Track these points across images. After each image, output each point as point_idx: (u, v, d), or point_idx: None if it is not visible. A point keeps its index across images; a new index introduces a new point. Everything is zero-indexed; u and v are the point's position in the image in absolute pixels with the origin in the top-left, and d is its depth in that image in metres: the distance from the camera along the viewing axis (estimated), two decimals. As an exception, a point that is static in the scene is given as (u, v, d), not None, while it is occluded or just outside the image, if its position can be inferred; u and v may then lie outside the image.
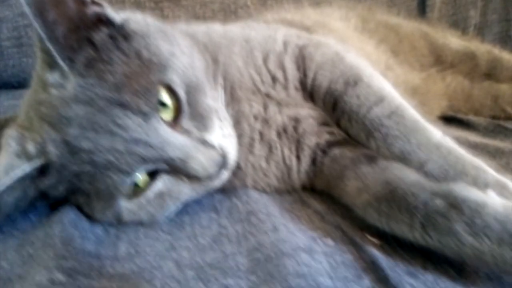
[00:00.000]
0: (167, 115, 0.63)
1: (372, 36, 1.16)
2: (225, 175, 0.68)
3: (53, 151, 0.60)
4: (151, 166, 0.63)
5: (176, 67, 0.64)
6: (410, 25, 1.32)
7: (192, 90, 0.66)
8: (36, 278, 0.50)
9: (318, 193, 0.79)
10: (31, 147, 0.62)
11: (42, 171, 0.62)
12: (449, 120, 1.20)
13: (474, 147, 0.76)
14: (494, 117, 1.19)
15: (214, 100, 0.69)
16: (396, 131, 0.72)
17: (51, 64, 0.61)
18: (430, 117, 0.78)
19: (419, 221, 0.58)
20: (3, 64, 1.47)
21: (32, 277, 0.50)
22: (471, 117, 1.21)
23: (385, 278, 0.57)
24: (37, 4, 0.56)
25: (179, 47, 0.68)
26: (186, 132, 0.64)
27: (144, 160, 0.61)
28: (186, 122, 0.64)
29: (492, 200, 0.56)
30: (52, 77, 0.61)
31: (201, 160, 0.62)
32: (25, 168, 0.60)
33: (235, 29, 0.86)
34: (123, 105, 0.59)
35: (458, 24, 1.69)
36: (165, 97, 0.63)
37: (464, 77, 1.29)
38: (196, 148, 0.63)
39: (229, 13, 1.56)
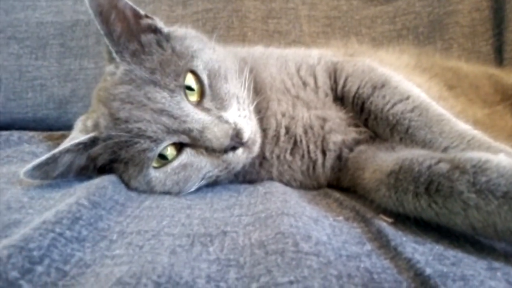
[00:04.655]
0: (193, 97, 0.74)
1: (425, 72, 1.17)
2: (241, 152, 0.73)
3: (102, 123, 0.74)
4: (175, 138, 0.72)
5: (202, 58, 0.76)
6: (472, 67, 1.30)
7: (215, 76, 0.76)
8: (67, 201, 0.60)
9: (343, 190, 0.79)
10: (89, 123, 0.77)
11: (94, 142, 0.75)
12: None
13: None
14: None
15: (236, 88, 0.77)
16: (418, 122, 0.73)
17: (110, 59, 0.78)
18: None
19: (423, 186, 0.56)
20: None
21: (65, 201, 0.60)
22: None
23: (387, 243, 0.55)
24: (101, 9, 0.73)
25: (211, 48, 0.81)
26: (206, 110, 0.73)
27: (168, 130, 0.70)
28: (207, 102, 0.74)
29: (496, 157, 0.52)
30: (109, 68, 0.78)
31: (215, 131, 0.70)
32: (82, 138, 0.74)
33: (275, 49, 0.97)
34: (155, 83, 0.72)
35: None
36: (191, 81, 0.74)
37: (537, 115, 1.20)
38: (212, 122, 0.71)
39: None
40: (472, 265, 0.49)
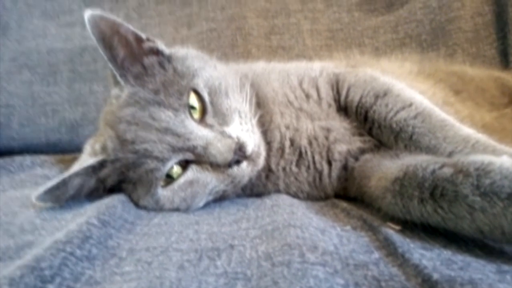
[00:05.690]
0: (196, 115, 0.76)
1: (429, 78, 1.17)
2: (246, 166, 0.74)
3: (110, 146, 0.76)
4: (180, 156, 0.73)
5: (202, 76, 0.78)
6: (477, 70, 1.30)
7: (216, 93, 0.77)
8: (78, 220, 0.61)
9: (350, 200, 0.79)
10: (97, 146, 0.79)
11: (102, 164, 0.76)
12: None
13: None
14: None
15: (238, 103, 0.79)
16: (422, 128, 0.73)
17: (115, 83, 0.80)
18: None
19: (428, 191, 0.56)
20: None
21: (76, 221, 0.62)
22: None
23: (395, 250, 0.55)
24: (103, 36, 0.75)
25: (211, 66, 0.83)
26: (209, 126, 0.75)
27: (173, 148, 0.72)
28: (209, 119, 0.76)
29: (500, 159, 0.52)
30: (114, 91, 0.80)
31: (218, 147, 0.71)
32: (91, 161, 0.76)
33: (276, 64, 0.99)
34: (159, 103, 0.74)
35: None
36: (193, 100, 0.76)
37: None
38: (215, 137, 0.72)
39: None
40: (480, 269, 0.49)
